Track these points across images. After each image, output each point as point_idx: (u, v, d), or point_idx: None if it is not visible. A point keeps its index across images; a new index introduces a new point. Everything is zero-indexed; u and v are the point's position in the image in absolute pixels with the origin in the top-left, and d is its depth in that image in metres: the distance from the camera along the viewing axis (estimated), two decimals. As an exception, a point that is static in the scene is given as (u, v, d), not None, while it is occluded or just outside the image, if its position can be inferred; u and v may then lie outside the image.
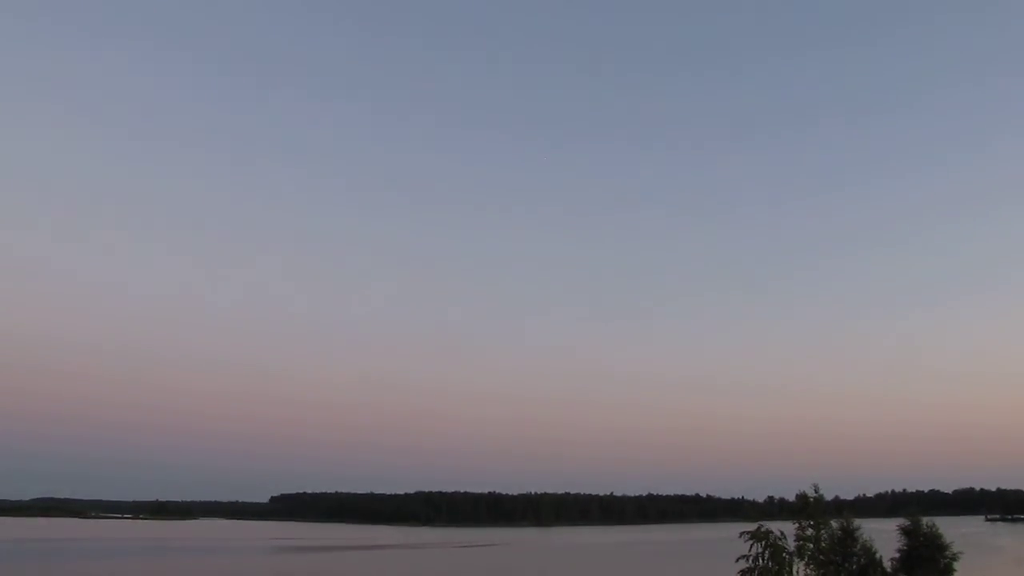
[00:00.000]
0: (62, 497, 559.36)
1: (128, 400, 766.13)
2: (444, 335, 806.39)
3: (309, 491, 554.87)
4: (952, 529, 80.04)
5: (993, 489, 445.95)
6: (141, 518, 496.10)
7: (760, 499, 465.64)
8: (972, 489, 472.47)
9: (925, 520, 63.57)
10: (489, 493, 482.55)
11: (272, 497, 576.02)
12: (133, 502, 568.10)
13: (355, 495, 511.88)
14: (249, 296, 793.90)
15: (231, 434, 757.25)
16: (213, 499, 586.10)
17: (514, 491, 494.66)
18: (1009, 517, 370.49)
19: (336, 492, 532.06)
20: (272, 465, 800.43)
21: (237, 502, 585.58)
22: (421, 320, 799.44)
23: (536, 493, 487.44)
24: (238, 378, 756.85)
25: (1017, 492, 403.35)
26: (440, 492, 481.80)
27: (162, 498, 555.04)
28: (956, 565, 61.81)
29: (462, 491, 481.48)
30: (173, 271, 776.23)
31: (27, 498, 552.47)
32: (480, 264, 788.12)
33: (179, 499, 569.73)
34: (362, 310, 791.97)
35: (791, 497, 56.63)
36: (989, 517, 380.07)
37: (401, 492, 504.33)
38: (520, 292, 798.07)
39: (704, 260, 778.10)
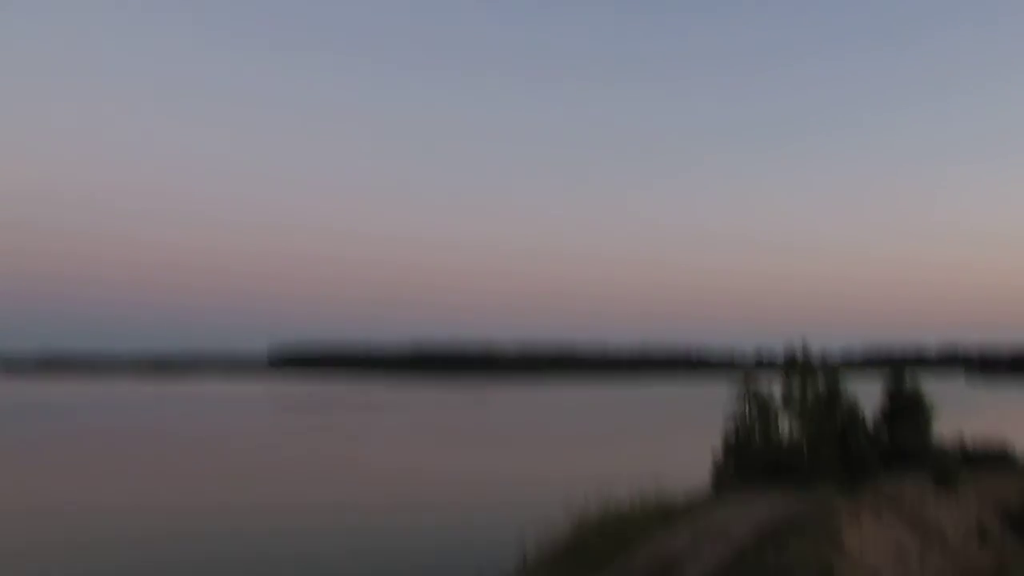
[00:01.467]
0: (61, 351, 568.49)
1: (126, 257, 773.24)
2: (446, 190, 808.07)
3: (307, 343, 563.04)
4: (934, 385, 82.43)
5: (976, 348, 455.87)
6: (141, 373, 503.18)
7: (750, 355, 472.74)
8: (956, 346, 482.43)
9: (908, 376, 65.53)
10: (485, 346, 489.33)
11: (269, 349, 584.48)
12: (131, 356, 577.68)
13: (351, 346, 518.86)
14: (248, 148, 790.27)
15: (230, 288, 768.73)
16: (211, 352, 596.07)
17: (510, 345, 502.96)
18: (990, 374, 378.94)
19: (333, 344, 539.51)
20: (270, 318, 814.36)
21: (235, 355, 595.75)
22: (424, 176, 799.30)
23: (531, 347, 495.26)
24: (237, 232, 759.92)
25: (999, 350, 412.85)
26: (436, 345, 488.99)
27: (161, 352, 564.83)
28: (935, 419, 64.09)
29: (458, 344, 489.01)
30: (167, 124, 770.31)
31: (28, 353, 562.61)
32: (483, 126, 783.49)
33: (178, 352, 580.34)
34: (368, 164, 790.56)
35: (780, 353, 58.03)
36: (970, 374, 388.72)
37: (396, 344, 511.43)
38: (519, 150, 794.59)
39: (710, 116, 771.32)
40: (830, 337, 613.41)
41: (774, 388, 52.74)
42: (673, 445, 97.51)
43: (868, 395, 64.22)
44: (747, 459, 49.19)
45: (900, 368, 67.14)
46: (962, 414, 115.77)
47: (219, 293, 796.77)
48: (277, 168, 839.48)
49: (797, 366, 51.69)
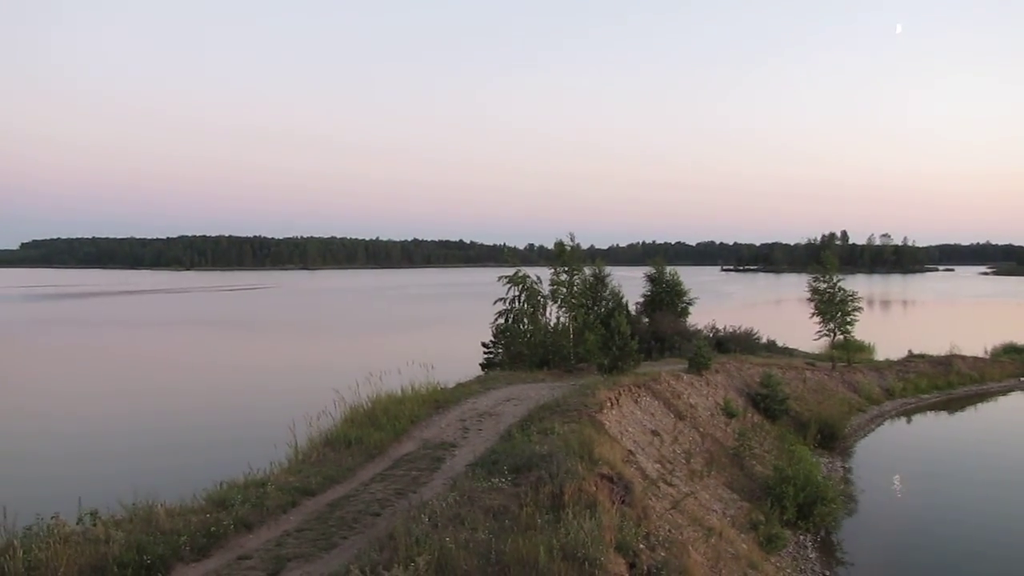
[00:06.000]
0: None
1: None
2: (205, 77, 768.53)
3: (65, 236, 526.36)
4: (692, 277, 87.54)
5: (731, 243, 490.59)
6: None
7: (521, 246, 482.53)
8: (712, 243, 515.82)
9: (669, 269, 69.23)
10: (254, 237, 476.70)
11: (23, 243, 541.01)
12: None
13: (115, 240, 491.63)
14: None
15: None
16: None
17: (280, 235, 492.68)
18: (741, 268, 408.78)
19: (94, 237, 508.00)
20: (22, 210, 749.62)
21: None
22: (179, 62, 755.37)
23: (302, 237, 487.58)
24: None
25: (750, 246, 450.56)
26: (204, 236, 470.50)
27: None
28: (691, 308, 68.31)
29: (227, 235, 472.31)
30: None
31: None
32: None
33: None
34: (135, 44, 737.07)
35: (550, 245, 59.49)
36: (724, 268, 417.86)
37: (163, 237, 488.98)
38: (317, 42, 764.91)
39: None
40: (596, 231, 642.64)
41: (543, 278, 54.10)
42: (444, 331, 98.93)
43: (631, 285, 67.39)
44: (516, 345, 50.51)
45: (663, 260, 70.83)
46: (716, 302, 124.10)
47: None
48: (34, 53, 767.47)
49: (564, 256, 53.08)
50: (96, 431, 46.35)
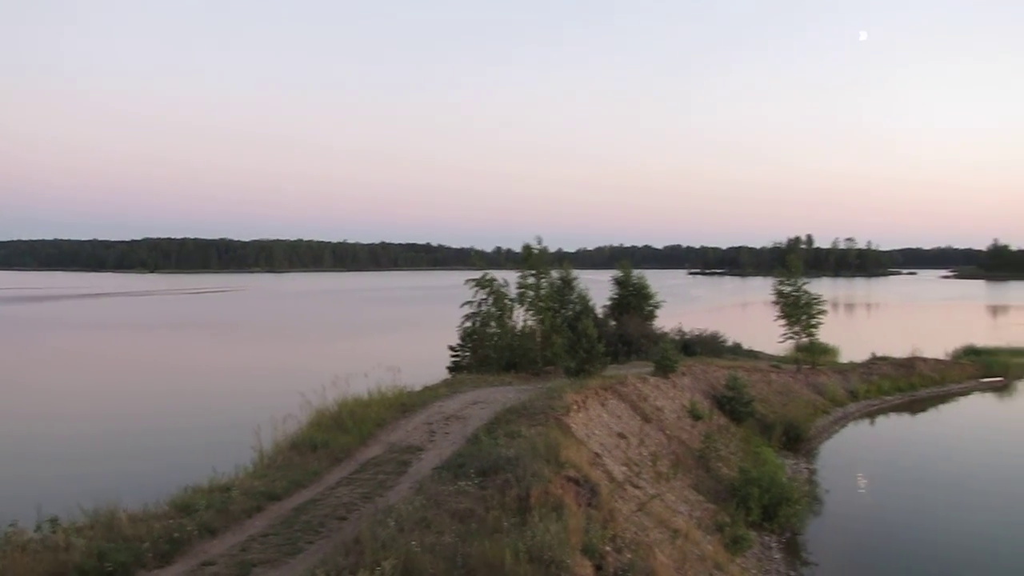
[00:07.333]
0: None
1: None
2: (171, 78, 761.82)
3: (25, 238, 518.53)
4: (659, 281, 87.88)
5: (697, 247, 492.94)
6: None
7: (488, 249, 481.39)
8: (679, 246, 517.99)
9: (636, 272, 69.44)
10: (220, 239, 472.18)
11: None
12: None
13: (77, 242, 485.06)
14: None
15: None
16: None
17: (245, 237, 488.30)
18: (708, 272, 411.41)
19: (56, 239, 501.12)
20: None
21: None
22: (143, 62, 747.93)
23: (268, 239, 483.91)
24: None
25: (716, 250, 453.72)
26: (168, 238, 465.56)
27: None
28: (658, 312, 68.59)
29: (192, 237, 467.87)
30: None
31: None
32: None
33: None
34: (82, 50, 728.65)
35: (518, 248, 59.52)
36: (691, 271, 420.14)
37: (127, 239, 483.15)
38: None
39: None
40: (563, 234, 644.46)
41: (510, 281, 54.12)
42: (411, 335, 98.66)
43: (599, 288, 67.57)
44: (483, 349, 50.51)
45: (630, 263, 71.01)
46: (682, 306, 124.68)
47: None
48: None
49: (532, 260, 53.15)
50: (56, 434, 45.72)
